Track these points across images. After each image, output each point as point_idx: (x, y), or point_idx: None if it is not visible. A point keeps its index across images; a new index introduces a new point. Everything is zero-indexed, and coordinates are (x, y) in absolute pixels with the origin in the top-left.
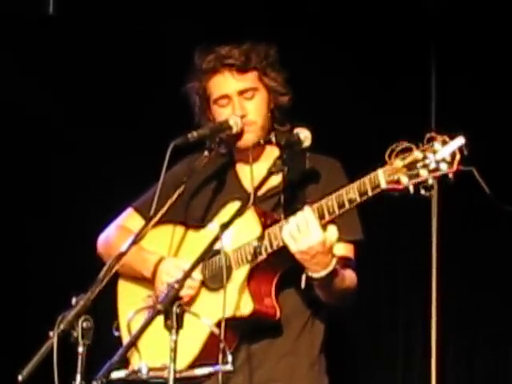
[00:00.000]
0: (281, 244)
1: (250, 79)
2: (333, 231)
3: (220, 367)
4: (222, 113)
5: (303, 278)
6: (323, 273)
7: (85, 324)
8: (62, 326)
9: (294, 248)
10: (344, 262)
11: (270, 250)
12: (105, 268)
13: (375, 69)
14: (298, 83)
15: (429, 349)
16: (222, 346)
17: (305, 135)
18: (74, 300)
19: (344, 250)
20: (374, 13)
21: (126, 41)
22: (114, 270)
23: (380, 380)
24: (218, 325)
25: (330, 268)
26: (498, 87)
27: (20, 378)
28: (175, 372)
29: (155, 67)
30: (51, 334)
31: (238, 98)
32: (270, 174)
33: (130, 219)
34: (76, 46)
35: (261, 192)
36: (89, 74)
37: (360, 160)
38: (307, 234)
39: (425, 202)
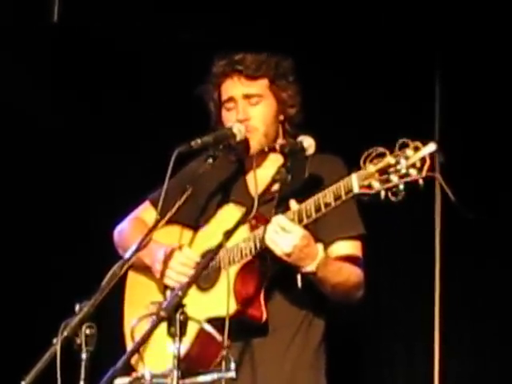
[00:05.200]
0: (264, 246)
1: (258, 86)
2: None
3: (223, 374)
4: (228, 116)
5: (298, 277)
6: (315, 263)
7: (88, 331)
8: (65, 333)
9: (278, 251)
10: (346, 259)
11: (254, 252)
12: (108, 275)
13: (381, 73)
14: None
15: (432, 348)
16: (224, 353)
17: (308, 143)
18: (77, 307)
19: (349, 247)
20: (380, 18)
21: (130, 49)
22: (117, 278)
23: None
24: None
25: (320, 255)
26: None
27: None
28: (179, 379)
29: (161, 73)
30: (55, 340)
31: (243, 102)
32: (273, 181)
33: (146, 212)
34: (80, 55)
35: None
36: (93, 81)
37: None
38: (286, 234)
39: (428, 202)
